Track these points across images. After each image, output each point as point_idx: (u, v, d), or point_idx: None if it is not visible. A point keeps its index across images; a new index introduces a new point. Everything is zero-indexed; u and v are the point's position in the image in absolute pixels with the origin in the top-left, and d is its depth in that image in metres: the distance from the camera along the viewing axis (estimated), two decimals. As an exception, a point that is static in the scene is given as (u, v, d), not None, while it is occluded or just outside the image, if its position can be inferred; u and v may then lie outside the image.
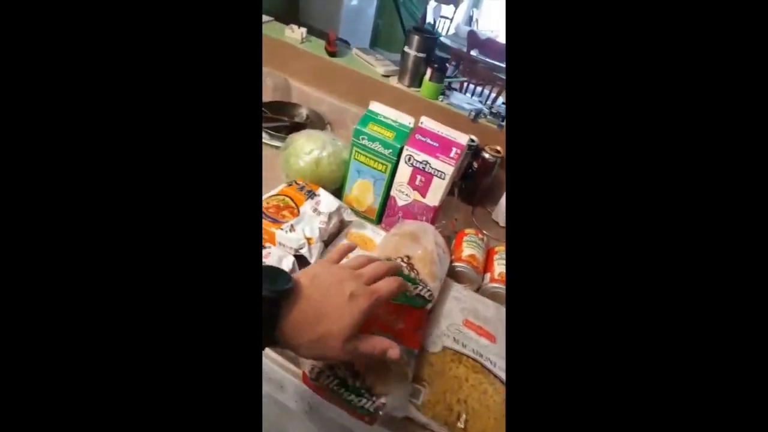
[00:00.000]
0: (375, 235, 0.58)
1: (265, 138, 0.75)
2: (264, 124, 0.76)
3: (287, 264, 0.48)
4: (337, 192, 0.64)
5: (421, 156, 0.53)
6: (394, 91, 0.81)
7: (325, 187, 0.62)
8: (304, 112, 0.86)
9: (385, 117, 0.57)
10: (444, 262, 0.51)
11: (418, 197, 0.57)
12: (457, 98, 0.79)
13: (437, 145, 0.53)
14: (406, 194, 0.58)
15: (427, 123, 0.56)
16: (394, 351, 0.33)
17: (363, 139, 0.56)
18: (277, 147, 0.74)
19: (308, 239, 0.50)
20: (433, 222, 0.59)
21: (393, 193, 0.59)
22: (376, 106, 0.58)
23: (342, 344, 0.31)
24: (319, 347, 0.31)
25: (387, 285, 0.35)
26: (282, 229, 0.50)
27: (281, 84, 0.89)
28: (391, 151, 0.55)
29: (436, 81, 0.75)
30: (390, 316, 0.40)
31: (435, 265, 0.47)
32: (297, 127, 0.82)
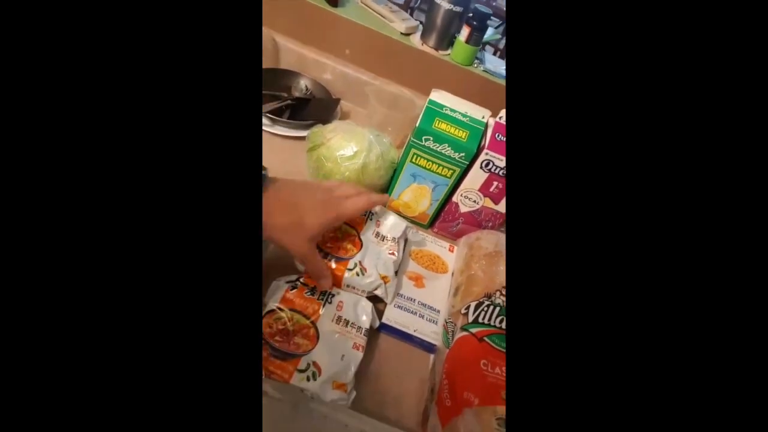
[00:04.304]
0: (439, 249, 0.51)
1: (266, 124, 0.59)
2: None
3: (367, 312, 0.39)
4: (380, 196, 0.54)
5: (505, 161, 0.44)
6: (417, 55, 0.67)
7: (366, 193, 0.51)
8: (303, 82, 0.69)
9: (453, 110, 0.46)
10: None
11: (489, 204, 0.49)
12: (492, 63, 0.67)
13: (521, 146, 0.44)
14: (474, 201, 0.49)
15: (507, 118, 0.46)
16: (327, 282, 0.38)
17: (427, 140, 0.45)
18: (282, 136, 0.59)
19: (384, 278, 0.41)
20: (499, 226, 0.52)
21: (456, 198, 0.50)
22: (439, 96, 0.46)
23: (307, 240, 0.34)
24: (288, 234, 0.34)
25: (354, 202, 0.38)
26: (350, 269, 0.40)
27: (267, 45, 0.69)
28: (463, 154, 0.45)
29: (474, 43, 0.62)
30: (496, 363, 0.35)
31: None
32: (300, 104, 0.66)
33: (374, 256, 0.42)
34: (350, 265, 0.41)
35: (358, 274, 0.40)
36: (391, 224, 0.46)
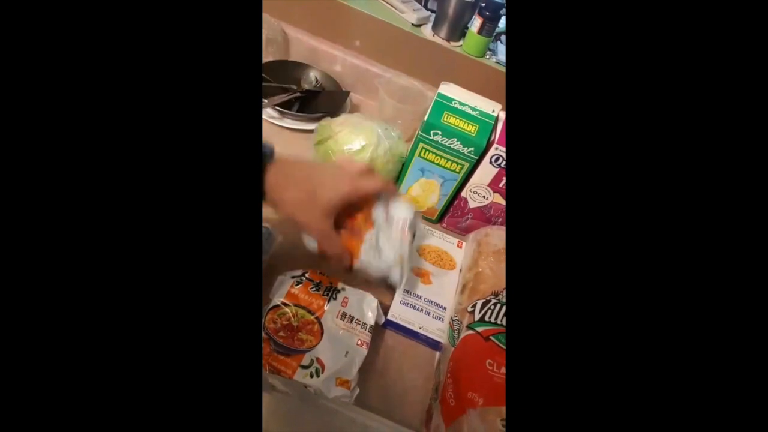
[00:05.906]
0: (447, 245, 0.50)
1: (274, 117, 0.59)
2: (270, 98, 0.59)
3: (372, 308, 0.39)
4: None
5: (515, 156, 0.43)
6: (428, 46, 0.65)
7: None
8: (312, 74, 0.69)
9: (462, 104, 0.44)
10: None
11: (499, 200, 0.48)
12: (505, 54, 0.65)
13: (533, 140, 0.43)
14: (483, 196, 0.48)
15: (518, 111, 0.44)
16: (344, 262, 0.35)
17: (436, 134, 0.44)
18: (291, 129, 0.59)
19: (400, 256, 0.41)
20: (508, 223, 0.51)
21: (465, 194, 0.49)
22: (448, 89, 0.45)
23: (323, 215, 0.32)
24: (301, 209, 0.32)
25: (371, 180, 0.35)
26: (366, 242, 0.39)
27: (276, 36, 0.69)
28: (472, 149, 0.44)
29: (486, 34, 0.60)
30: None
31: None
32: (309, 97, 0.65)
33: (387, 237, 0.42)
34: (366, 237, 0.40)
35: (375, 251, 0.40)
36: (398, 204, 0.46)
